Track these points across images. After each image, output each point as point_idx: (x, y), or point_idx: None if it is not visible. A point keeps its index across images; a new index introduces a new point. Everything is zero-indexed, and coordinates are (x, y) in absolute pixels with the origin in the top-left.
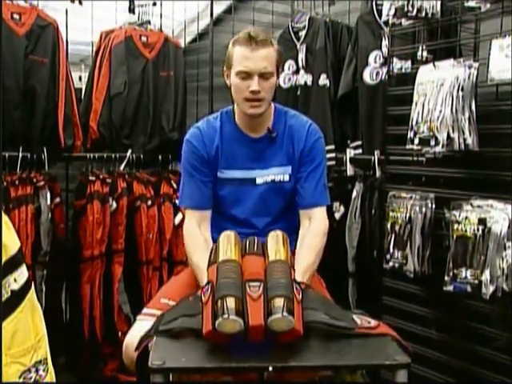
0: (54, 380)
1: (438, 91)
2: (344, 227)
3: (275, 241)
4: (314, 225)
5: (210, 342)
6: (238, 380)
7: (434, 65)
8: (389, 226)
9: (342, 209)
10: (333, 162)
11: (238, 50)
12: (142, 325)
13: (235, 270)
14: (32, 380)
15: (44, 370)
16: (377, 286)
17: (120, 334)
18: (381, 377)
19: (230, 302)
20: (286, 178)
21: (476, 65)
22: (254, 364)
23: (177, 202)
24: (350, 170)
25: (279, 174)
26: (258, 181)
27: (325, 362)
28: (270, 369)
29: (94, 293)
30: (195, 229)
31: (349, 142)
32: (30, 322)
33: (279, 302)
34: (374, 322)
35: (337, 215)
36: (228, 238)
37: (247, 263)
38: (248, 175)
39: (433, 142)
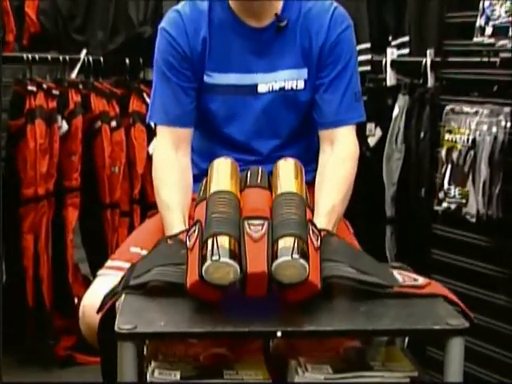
0: None
1: None
2: (381, 157)
3: (285, 171)
4: (339, 149)
5: (197, 301)
6: (234, 352)
7: None
8: (443, 153)
9: (379, 132)
10: (367, 68)
11: None
12: (105, 281)
13: (230, 204)
14: None
15: None
16: (424, 235)
17: (76, 300)
18: (427, 354)
19: (223, 242)
20: (300, 84)
21: None
22: (256, 328)
23: (151, 122)
24: (391, 78)
25: (290, 79)
26: (261, 88)
27: (351, 325)
28: (279, 334)
29: (40, 246)
30: (169, 153)
31: (391, 38)
32: None
33: (288, 242)
34: (422, 280)
35: (371, 141)
36: (222, 166)
37: (247, 198)
38: (247, 80)
39: None
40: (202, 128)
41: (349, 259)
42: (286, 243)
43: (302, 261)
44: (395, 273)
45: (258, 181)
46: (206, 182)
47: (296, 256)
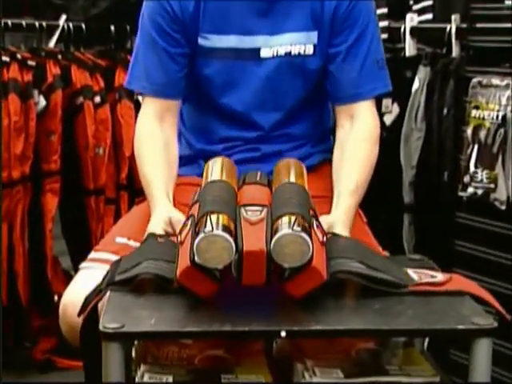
0: None
1: None
2: (398, 137)
3: (286, 167)
4: (359, 127)
5: (191, 296)
6: (233, 354)
7: None
8: (469, 132)
9: (396, 108)
10: (384, 36)
11: None
12: (88, 275)
13: (226, 189)
14: None
15: None
16: (447, 224)
17: (56, 298)
18: (450, 357)
19: (218, 218)
20: (309, 49)
21: None
22: (258, 327)
23: (139, 98)
24: (410, 48)
25: (298, 42)
26: (264, 53)
27: (364, 324)
28: (283, 334)
29: (15, 236)
30: (152, 125)
31: (411, 2)
32: None
33: (288, 219)
34: (441, 276)
35: (388, 119)
36: (218, 162)
37: (245, 192)
38: (248, 43)
39: None
40: (196, 100)
41: (358, 256)
42: (285, 220)
43: (304, 235)
44: (410, 272)
45: (257, 179)
46: (203, 179)
47: (297, 228)
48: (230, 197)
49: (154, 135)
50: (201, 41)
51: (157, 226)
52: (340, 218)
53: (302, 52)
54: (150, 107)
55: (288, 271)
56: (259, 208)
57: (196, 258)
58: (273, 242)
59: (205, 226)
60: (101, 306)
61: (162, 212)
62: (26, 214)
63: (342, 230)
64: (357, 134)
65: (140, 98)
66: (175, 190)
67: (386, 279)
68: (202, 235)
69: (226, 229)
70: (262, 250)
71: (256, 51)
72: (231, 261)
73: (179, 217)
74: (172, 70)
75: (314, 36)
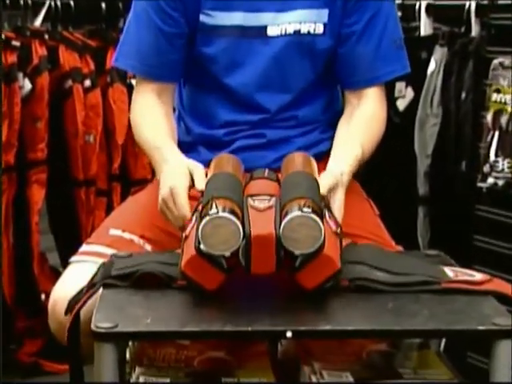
0: None
1: None
2: (413, 123)
3: (294, 160)
4: (368, 106)
5: (190, 293)
6: (235, 355)
7: None
8: (489, 117)
9: (410, 92)
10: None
11: None
12: (79, 269)
13: (232, 180)
14: None
15: None
16: (465, 218)
17: (43, 297)
18: (467, 361)
19: (223, 202)
20: (319, 28)
21: None
22: (261, 327)
23: (133, 81)
24: (426, 27)
25: (308, 20)
26: (272, 31)
27: (375, 324)
28: (289, 334)
29: None
30: (149, 99)
31: None
32: None
33: (298, 202)
34: (480, 276)
35: (401, 103)
36: (224, 158)
37: (252, 186)
38: (254, 21)
39: None
40: (197, 80)
41: (379, 262)
42: (294, 204)
43: (314, 216)
44: (447, 269)
45: (265, 174)
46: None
47: (307, 210)
48: (237, 187)
49: (154, 106)
50: (203, 18)
51: (177, 180)
52: (345, 176)
53: (311, 31)
54: (144, 86)
55: (299, 259)
56: (267, 197)
57: (202, 246)
58: (282, 226)
59: (210, 209)
60: (91, 304)
61: (180, 164)
62: (11, 206)
63: (344, 184)
64: (365, 111)
65: (133, 81)
66: None
67: (412, 281)
68: (206, 219)
69: (232, 212)
70: (271, 234)
71: (262, 29)
72: (239, 247)
73: (198, 165)
74: (166, 51)
75: (324, 14)
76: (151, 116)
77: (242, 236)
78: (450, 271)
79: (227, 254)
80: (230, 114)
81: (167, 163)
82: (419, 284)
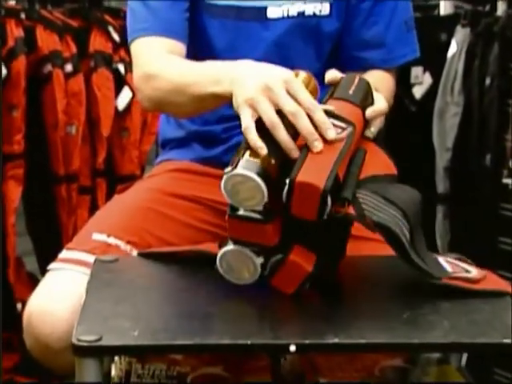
0: None
1: None
2: (430, 112)
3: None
4: (375, 73)
5: (184, 303)
6: (233, 372)
7: None
8: None
9: (428, 79)
10: None
11: None
12: (58, 278)
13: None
14: None
15: None
16: (489, 217)
17: (20, 306)
18: (493, 378)
19: (250, 154)
20: (325, 9)
21: None
22: (262, 340)
23: (119, 66)
24: (446, 5)
25: (312, 0)
26: (272, 13)
27: (389, 337)
28: (293, 348)
29: None
30: (164, 54)
31: None
32: None
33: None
34: (476, 271)
35: (418, 91)
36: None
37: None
38: (252, 1)
39: None
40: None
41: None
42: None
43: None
44: (441, 259)
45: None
46: None
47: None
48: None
49: (167, 55)
50: None
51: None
52: None
53: (316, 12)
54: (156, 44)
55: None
56: (344, 125)
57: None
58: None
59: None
60: (71, 313)
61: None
62: None
63: None
64: (373, 75)
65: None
66: (164, 177)
67: (423, 268)
68: (224, 178)
69: (257, 168)
70: (318, 188)
71: (262, 11)
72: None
73: None
74: (178, 7)
75: None
76: (174, 57)
77: (265, 195)
78: (445, 263)
79: (259, 208)
80: (227, 108)
81: (240, 63)
82: (424, 272)
